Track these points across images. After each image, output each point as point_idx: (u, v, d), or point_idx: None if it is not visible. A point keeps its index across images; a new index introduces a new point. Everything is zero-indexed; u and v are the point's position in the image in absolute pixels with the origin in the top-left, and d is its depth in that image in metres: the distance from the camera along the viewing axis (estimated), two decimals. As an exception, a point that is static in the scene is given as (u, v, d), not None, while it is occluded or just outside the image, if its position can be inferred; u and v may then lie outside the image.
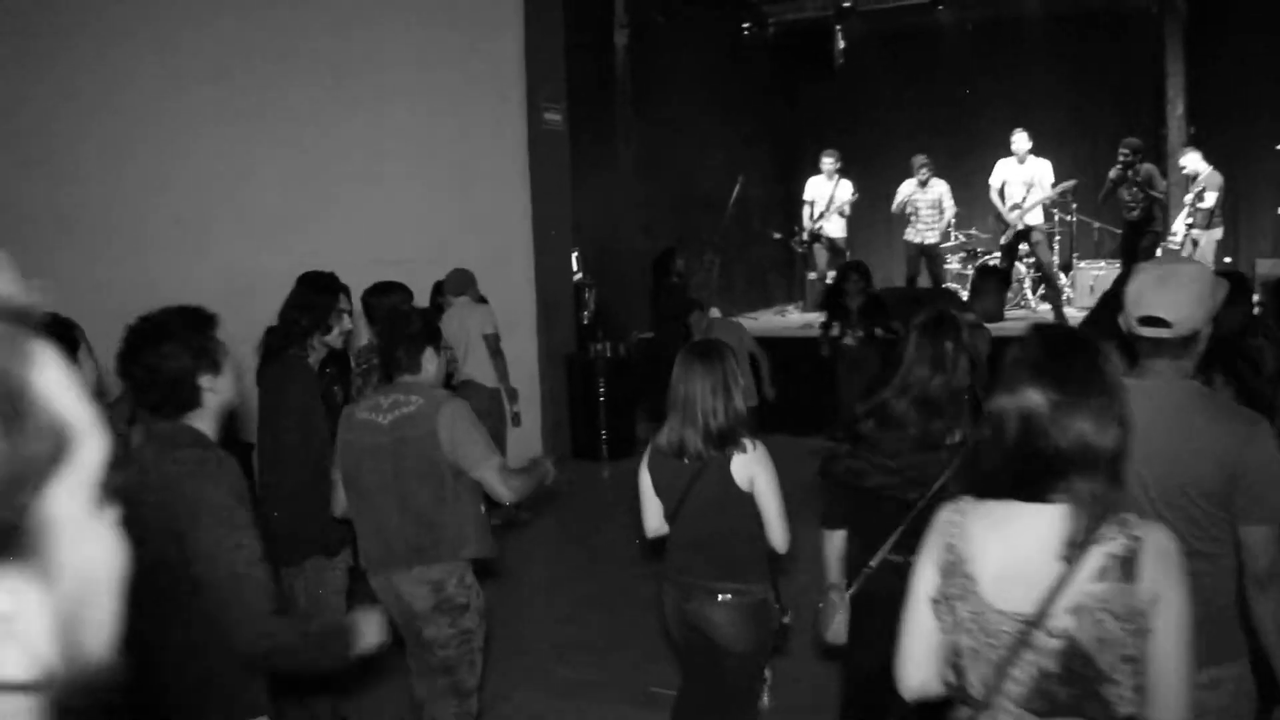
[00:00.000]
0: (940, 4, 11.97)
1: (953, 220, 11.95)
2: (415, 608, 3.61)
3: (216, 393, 2.62)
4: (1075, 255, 12.60)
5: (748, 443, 3.47)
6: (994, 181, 11.27)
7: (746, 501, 3.46)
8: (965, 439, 3.13)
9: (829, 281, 11.89)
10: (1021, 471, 1.95)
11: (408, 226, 8.66)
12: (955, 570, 2.02)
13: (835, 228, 12.41)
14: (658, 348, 9.29)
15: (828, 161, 12.24)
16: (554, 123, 10.14)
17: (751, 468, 3.44)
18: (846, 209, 12.34)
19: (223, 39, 7.76)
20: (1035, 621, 1.91)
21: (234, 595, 2.39)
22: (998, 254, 11.89)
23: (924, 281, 12.01)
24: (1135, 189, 9.80)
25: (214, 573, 2.39)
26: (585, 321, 10.75)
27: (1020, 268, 12.08)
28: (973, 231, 12.81)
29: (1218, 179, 10.96)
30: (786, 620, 3.60)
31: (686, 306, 8.72)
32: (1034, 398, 1.92)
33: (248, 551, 2.42)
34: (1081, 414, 1.89)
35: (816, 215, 12.35)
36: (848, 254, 12.46)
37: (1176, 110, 12.86)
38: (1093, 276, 12.16)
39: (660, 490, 3.62)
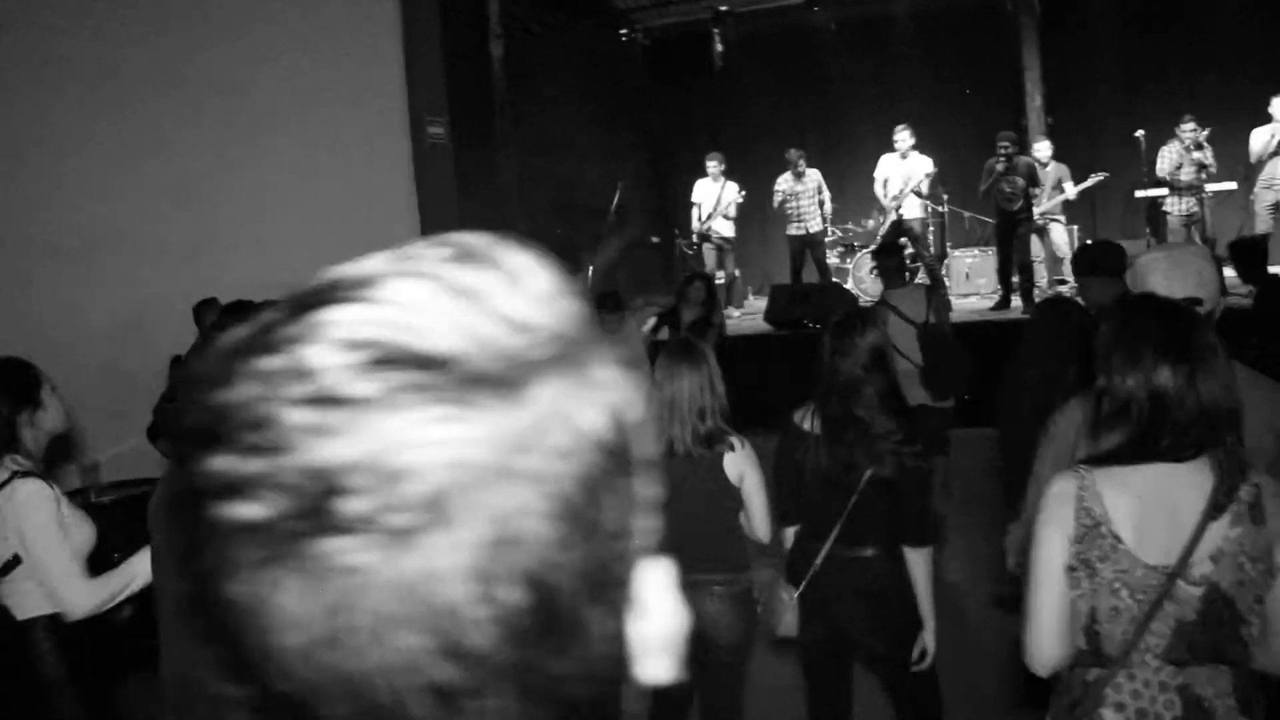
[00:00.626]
0: (815, 5, 12.14)
1: (831, 207, 12.09)
2: None
3: None
4: (949, 245, 12.97)
5: (735, 440, 3.47)
6: (878, 175, 11.57)
7: (736, 497, 3.49)
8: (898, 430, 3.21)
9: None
10: (1155, 440, 2.04)
11: (295, 249, 8.34)
12: (1094, 533, 2.07)
13: (723, 228, 12.47)
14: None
15: (713, 164, 12.30)
16: (437, 136, 9.96)
17: (741, 465, 3.47)
18: (733, 210, 12.39)
19: (103, 63, 7.41)
20: (1177, 572, 2.00)
21: None
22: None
23: (809, 275, 12.16)
24: (1016, 179, 10.14)
25: None
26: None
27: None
28: (849, 226, 13.06)
29: (1065, 168, 11.51)
30: (760, 610, 3.62)
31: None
32: (1164, 373, 2.02)
33: None
34: (1209, 381, 2.01)
35: (704, 217, 12.40)
36: (734, 254, 12.65)
37: (1035, 102, 13.37)
38: (967, 264, 12.61)
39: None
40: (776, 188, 11.99)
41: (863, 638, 3.31)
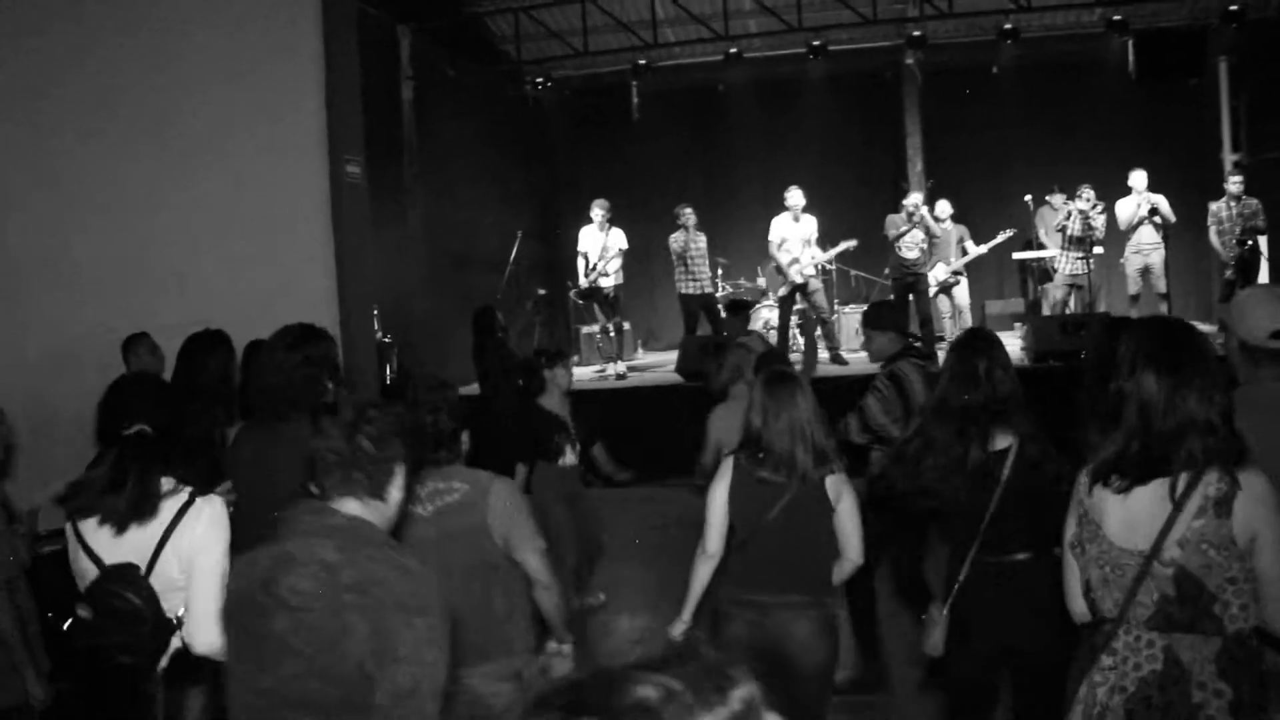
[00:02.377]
0: (728, 60, 12.51)
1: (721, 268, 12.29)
2: (496, 706, 3.29)
3: None
4: (837, 302, 13.43)
5: (836, 464, 3.59)
6: (774, 238, 11.62)
7: (830, 519, 3.57)
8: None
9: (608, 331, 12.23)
10: (1142, 453, 2.44)
11: (222, 284, 8.13)
12: (1085, 520, 2.58)
13: (609, 279, 12.42)
14: (485, 404, 9.09)
15: (598, 211, 12.12)
16: (354, 176, 9.81)
17: (840, 487, 3.57)
18: (618, 258, 12.35)
19: (31, 97, 7.13)
20: (1151, 555, 2.40)
21: None
22: (773, 304, 12.51)
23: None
24: (919, 235, 10.66)
25: None
26: (388, 383, 10.39)
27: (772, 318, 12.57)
28: (742, 282, 13.41)
29: (965, 229, 12.22)
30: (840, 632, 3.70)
31: (521, 361, 8.63)
32: (1149, 382, 2.43)
33: None
34: (1190, 393, 2.39)
35: (591, 266, 12.36)
36: (621, 305, 12.68)
37: (916, 167, 14.10)
38: (856, 320, 13.06)
39: (737, 511, 3.62)
40: (672, 243, 11.98)
41: (1024, 645, 3.31)
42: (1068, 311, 11.32)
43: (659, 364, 13.27)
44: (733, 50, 12.25)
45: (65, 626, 2.74)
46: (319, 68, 9.51)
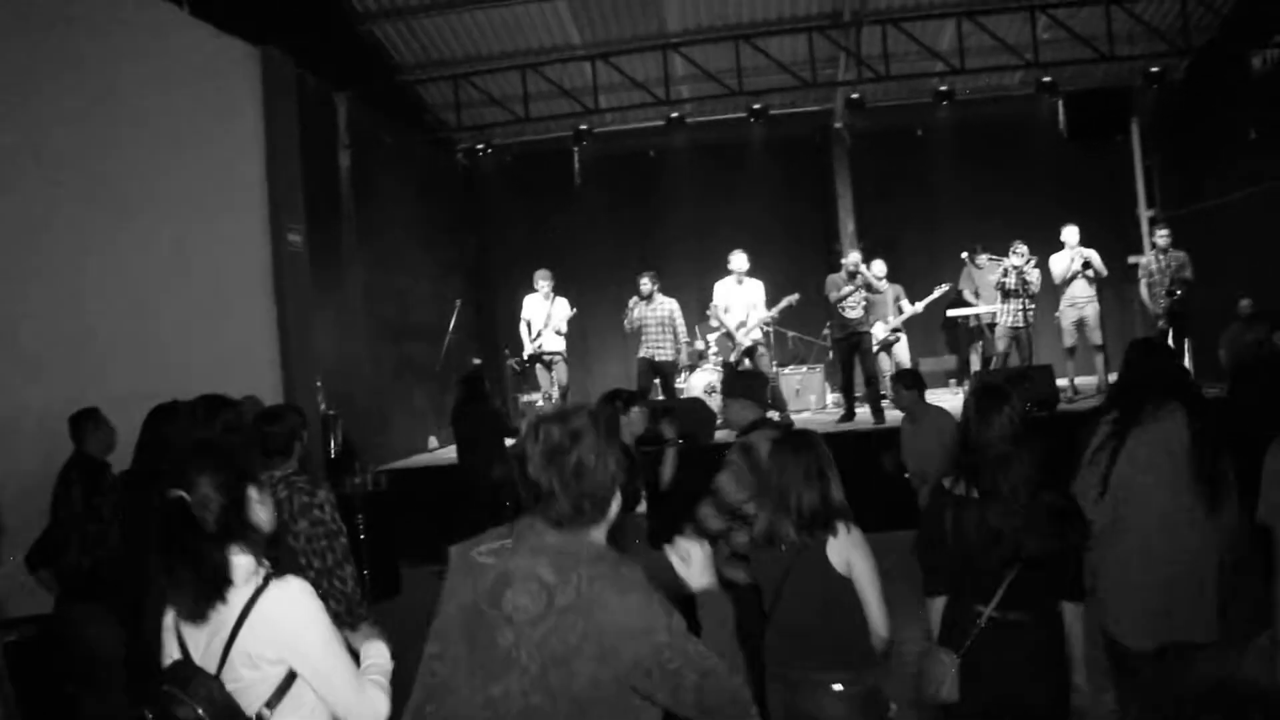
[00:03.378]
0: (669, 124, 12.61)
1: (686, 340, 12.22)
2: None
3: None
4: (776, 364, 13.48)
5: (841, 527, 3.44)
6: (718, 301, 11.63)
7: (846, 587, 3.41)
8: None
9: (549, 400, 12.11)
10: None
11: (169, 355, 7.86)
12: None
13: (553, 344, 12.37)
14: (469, 472, 8.84)
15: (543, 281, 12.15)
16: (295, 244, 9.62)
17: (847, 551, 3.42)
18: (564, 325, 12.34)
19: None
20: None
21: None
22: (714, 366, 12.51)
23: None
24: (860, 295, 10.76)
25: None
26: (333, 455, 10.06)
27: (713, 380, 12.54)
28: (683, 346, 13.39)
29: (900, 287, 12.43)
30: (892, 714, 3.52)
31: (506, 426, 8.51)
32: None
33: None
34: None
35: (535, 334, 12.29)
36: (564, 370, 12.57)
37: (848, 229, 14.34)
38: (796, 382, 13.13)
39: (761, 582, 3.53)
40: (629, 309, 11.90)
41: (1028, 697, 3.26)
42: (1009, 363, 11.50)
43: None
44: (674, 115, 12.34)
45: None
46: (260, 134, 9.42)
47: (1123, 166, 14.59)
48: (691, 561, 2.42)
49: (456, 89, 12.14)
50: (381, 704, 2.48)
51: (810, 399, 12.91)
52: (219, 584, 2.36)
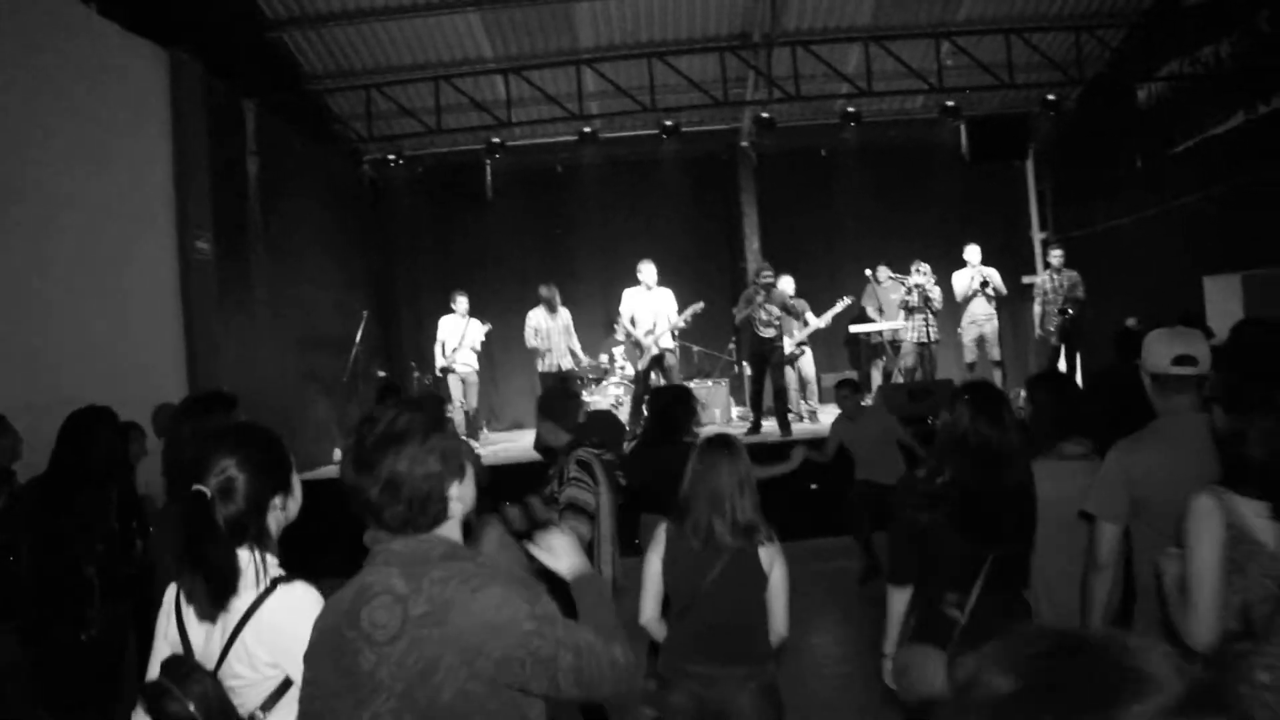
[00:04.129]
0: (581, 139, 12.62)
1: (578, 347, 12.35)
2: None
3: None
4: (682, 378, 13.60)
5: (770, 534, 3.57)
6: (625, 310, 11.74)
7: (764, 589, 3.55)
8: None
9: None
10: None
11: (70, 360, 7.64)
12: (1241, 539, 2.57)
13: (467, 363, 12.44)
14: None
15: (460, 301, 12.35)
16: (203, 251, 9.44)
17: (771, 558, 3.55)
18: (478, 345, 12.44)
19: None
20: None
21: None
22: (619, 380, 12.61)
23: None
24: (772, 308, 10.94)
25: None
26: (239, 466, 9.85)
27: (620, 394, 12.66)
28: (584, 360, 13.43)
29: (805, 302, 12.66)
30: None
31: None
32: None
33: None
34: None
35: (450, 351, 12.34)
36: (476, 388, 12.60)
37: (753, 245, 14.58)
38: (702, 394, 13.26)
39: (673, 580, 3.59)
40: (529, 323, 12.06)
41: None
42: (916, 377, 11.81)
43: (504, 441, 13.36)
44: (586, 130, 12.40)
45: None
46: (168, 138, 9.26)
47: (1017, 190, 15.15)
48: (556, 550, 2.38)
49: (368, 99, 12.03)
50: None
51: (715, 413, 13.05)
52: (231, 587, 2.33)
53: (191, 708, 2.24)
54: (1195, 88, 11.32)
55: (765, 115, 12.53)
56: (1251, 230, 10.18)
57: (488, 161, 12.70)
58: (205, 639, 2.36)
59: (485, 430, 14.08)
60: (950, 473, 3.38)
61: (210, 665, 2.33)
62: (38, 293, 7.60)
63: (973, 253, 12.03)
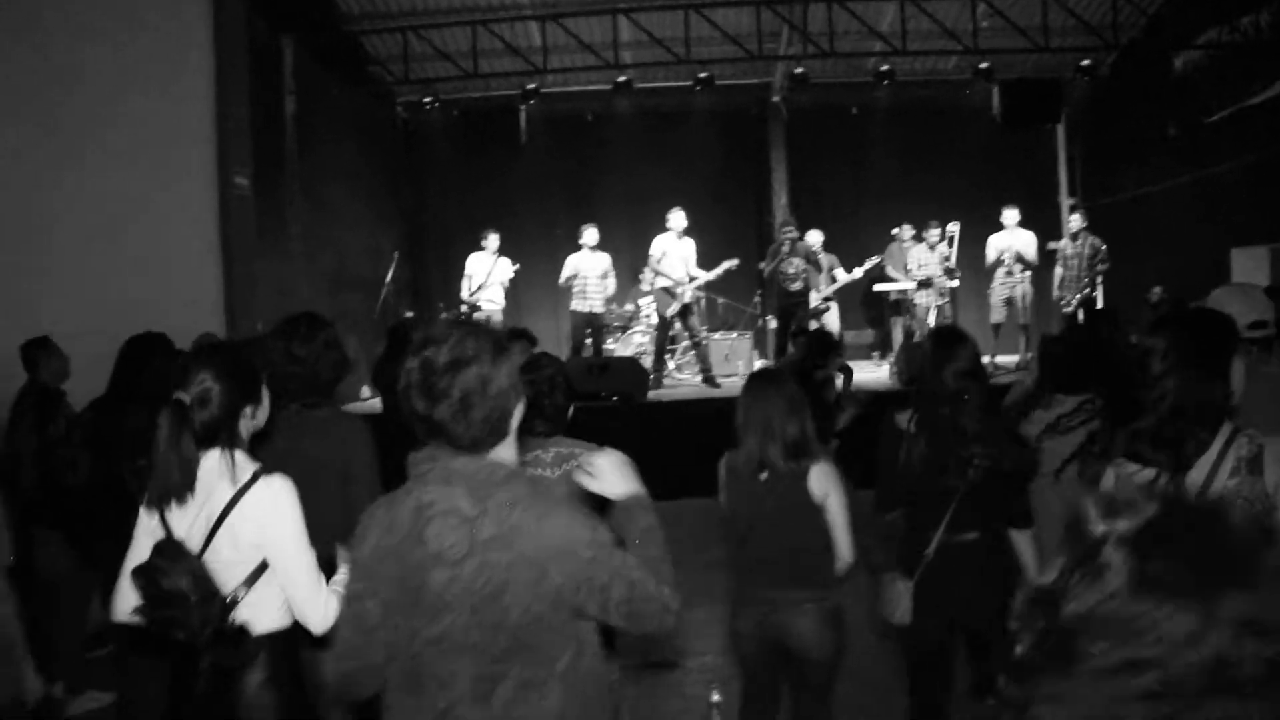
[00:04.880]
0: (616, 88, 12.69)
1: (613, 292, 12.43)
2: None
3: None
4: (705, 328, 13.72)
5: (822, 457, 3.68)
6: (654, 252, 11.78)
7: (819, 514, 3.64)
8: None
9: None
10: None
11: (111, 289, 7.85)
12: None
13: (494, 303, 12.47)
14: (396, 421, 8.89)
15: (490, 239, 12.29)
16: (242, 188, 9.58)
17: (825, 482, 3.63)
18: (506, 283, 12.46)
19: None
20: None
21: None
22: (644, 329, 12.75)
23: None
24: (798, 261, 11.04)
25: None
26: (273, 402, 10.06)
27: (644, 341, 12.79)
28: (613, 307, 13.55)
29: (834, 257, 12.71)
30: None
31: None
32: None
33: None
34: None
35: (474, 289, 12.38)
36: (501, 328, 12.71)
37: (780, 199, 14.66)
38: (726, 347, 13.38)
39: (733, 510, 3.73)
40: (568, 264, 12.06)
41: (974, 615, 3.57)
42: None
43: (531, 383, 13.36)
44: (621, 79, 12.46)
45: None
46: (210, 74, 9.34)
47: (1047, 155, 15.13)
48: (602, 472, 2.41)
49: (405, 41, 12.12)
50: (333, 612, 2.57)
51: (739, 364, 13.18)
52: (192, 480, 2.64)
53: (183, 582, 2.52)
54: (1233, 56, 11.28)
55: (799, 71, 12.54)
56: (1282, 202, 10.21)
57: (522, 108, 12.75)
58: (189, 527, 2.65)
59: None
60: (917, 414, 3.58)
61: (195, 550, 2.62)
62: (82, 224, 7.81)
63: (1010, 215, 11.99)
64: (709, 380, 11.93)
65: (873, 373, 12.94)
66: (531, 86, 12.57)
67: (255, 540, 2.65)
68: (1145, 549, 0.81)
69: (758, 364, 13.58)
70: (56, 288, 7.35)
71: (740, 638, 3.78)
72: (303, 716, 2.75)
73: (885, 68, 12.71)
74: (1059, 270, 12.12)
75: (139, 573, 2.61)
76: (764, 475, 3.64)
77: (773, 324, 12.31)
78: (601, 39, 12.25)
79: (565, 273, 12.11)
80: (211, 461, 2.68)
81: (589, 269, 11.99)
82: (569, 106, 14.26)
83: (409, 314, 14.04)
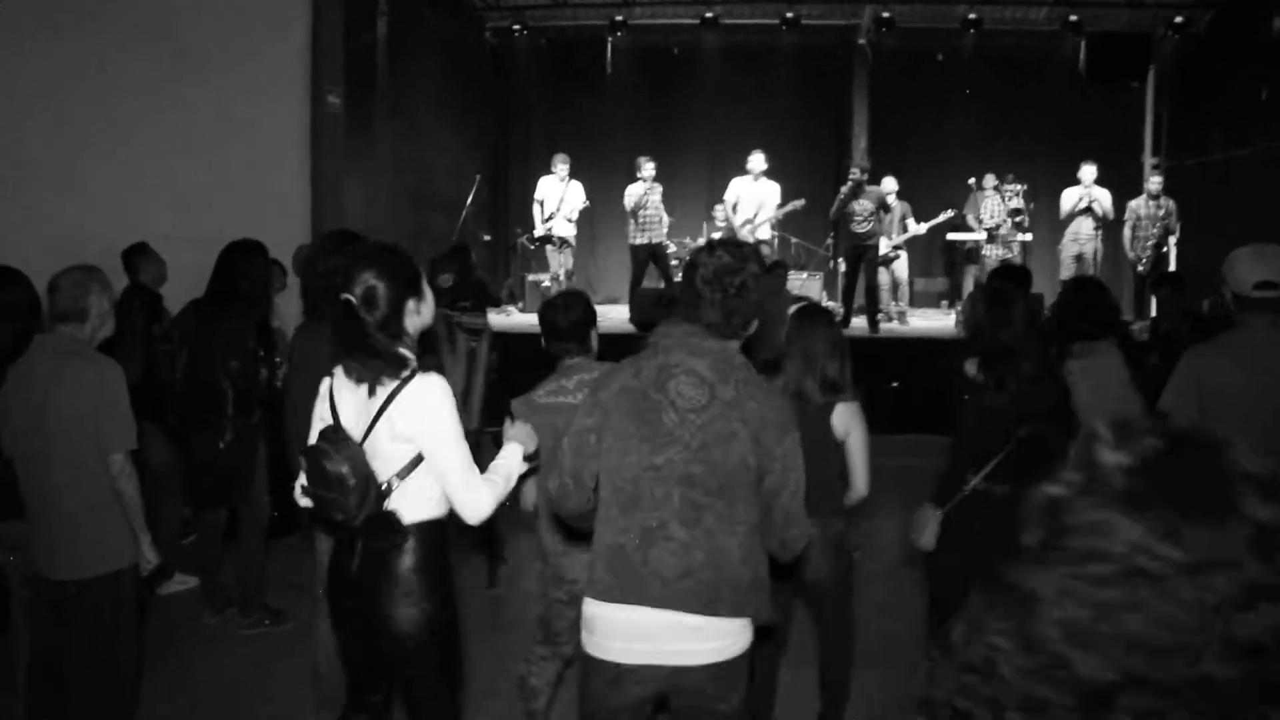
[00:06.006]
0: (703, 24, 12.76)
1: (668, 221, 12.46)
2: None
3: None
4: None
5: (849, 396, 3.92)
6: (729, 197, 11.95)
7: (836, 448, 3.91)
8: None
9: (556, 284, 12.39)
10: None
11: (210, 199, 8.26)
12: None
13: (565, 229, 12.63)
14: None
15: (560, 165, 12.35)
16: (334, 106, 9.90)
17: (848, 420, 3.89)
18: (576, 212, 12.57)
19: (46, 21, 7.27)
20: None
21: None
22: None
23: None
24: (867, 204, 11.13)
25: None
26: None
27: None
28: (685, 240, 13.72)
29: (908, 205, 12.74)
30: (856, 554, 4.10)
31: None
32: None
33: None
34: None
35: (546, 216, 12.52)
36: (572, 255, 12.89)
37: (860, 144, 14.63)
38: (796, 286, 13.51)
39: None
40: (629, 193, 12.05)
41: (981, 566, 3.80)
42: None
43: (601, 315, 13.54)
44: (709, 14, 12.51)
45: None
46: (307, -1, 9.57)
47: (1133, 112, 14.88)
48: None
49: (497, -33, 12.26)
50: (485, 503, 2.87)
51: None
52: (389, 364, 2.85)
53: (344, 468, 2.77)
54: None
55: (886, 15, 12.48)
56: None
57: (609, 39, 12.85)
58: (354, 419, 2.89)
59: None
60: (975, 364, 3.80)
61: (358, 438, 2.85)
62: (183, 139, 8.17)
63: (1088, 172, 11.93)
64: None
65: (941, 320, 13.02)
66: (619, 19, 12.66)
67: (411, 433, 2.83)
68: (1142, 478, 0.91)
69: (827, 305, 13.72)
70: (156, 195, 7.73)
71: None
72: (446, 601, 2.98)
73: (973, 15, 12.59)
74: (1128, 230, 12.05)
75: (306, 454, 2.87)
76: (797, 404, 3.88)
77: (843, 266, 12.40)
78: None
79: (630, 201, 12.05)
80: (376, 355, 2.87)
81: (651, 200, 11.96)
82: (655, 40, 14.34)
83: (487, 237, 14.36)
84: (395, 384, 2.84)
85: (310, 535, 4.13)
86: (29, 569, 3.81)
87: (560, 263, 12.65)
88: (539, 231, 12.59)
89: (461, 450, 2.87)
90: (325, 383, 2.99)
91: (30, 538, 3.76)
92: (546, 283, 13.00)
